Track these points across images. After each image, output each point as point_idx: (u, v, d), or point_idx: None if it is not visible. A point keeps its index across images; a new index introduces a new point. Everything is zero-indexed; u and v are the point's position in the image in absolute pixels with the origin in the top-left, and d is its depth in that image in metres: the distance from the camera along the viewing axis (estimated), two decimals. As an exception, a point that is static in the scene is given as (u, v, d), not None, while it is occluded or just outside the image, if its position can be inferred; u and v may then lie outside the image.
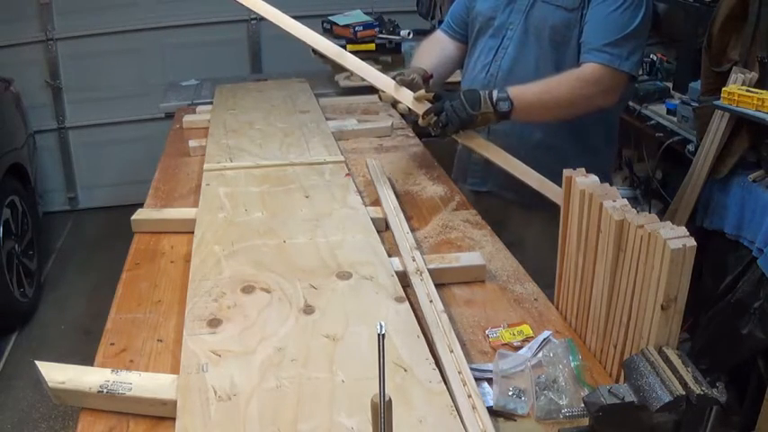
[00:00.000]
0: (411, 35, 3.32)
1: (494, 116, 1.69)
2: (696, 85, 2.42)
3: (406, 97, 1.81)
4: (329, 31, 3.34)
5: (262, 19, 4.30)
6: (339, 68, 3.29)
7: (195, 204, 1.75)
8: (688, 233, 1.02)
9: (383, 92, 1.85)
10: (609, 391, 0.97)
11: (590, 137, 1.85)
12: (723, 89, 2.05)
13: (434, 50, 2.05)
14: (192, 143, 2.22)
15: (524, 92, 1.69)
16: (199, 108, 2.70)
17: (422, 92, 1.77)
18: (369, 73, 1.91)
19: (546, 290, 1.44)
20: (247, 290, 1.34)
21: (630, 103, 2.58)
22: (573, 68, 1.74)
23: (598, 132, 1.87)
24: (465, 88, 1.89)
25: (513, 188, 1.94)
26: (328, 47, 1.94)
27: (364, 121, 2.47)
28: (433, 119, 1.71)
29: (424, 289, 1.35)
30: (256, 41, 4.39)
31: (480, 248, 1.60)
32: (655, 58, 2.88)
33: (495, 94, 1.68)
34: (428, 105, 1.75)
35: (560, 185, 1.33)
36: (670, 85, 2.78)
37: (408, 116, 2.00)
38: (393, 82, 1.84)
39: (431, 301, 1.30)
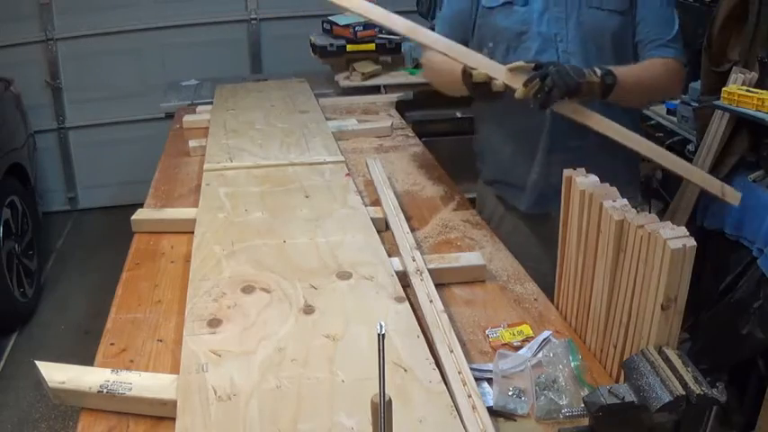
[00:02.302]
0: (411, 35, 3.31)
1: (599, 87, 1.59)
2: (696, 85, 2.42)
3: (499, 71, 1.65)
4: (329, 31, 3.34)
5: (262, 19, 4.36)
6: (339, 68, 3.30)
7: (195, 204, 1.75)
8: (688, 233, 1.02)
9: (472, 69, 1.66)
10: (609, 391, 0.97)
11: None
12: (723, 89, 2.05)
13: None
14: (192, 143, 2.22)
15: (625, 72, 1.63)
16: (199, 108, 2.70)
17: (520, 62, 1.62)
18: (456, 51, 1.72)
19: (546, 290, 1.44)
20: (247, 290, 1.34)
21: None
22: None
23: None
24: None
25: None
26: (398, 22, 1.77)
27: (364, 121, 2.47)
28: (537, 85, 1.56)
29: (424, 289, 1.35)
30: (256, 41, 4.38)
31: (480, 248, 1.60)
32: (655, 58, 2.87)
33: (597, 69, 1.60)
34: (526, 76, 1.60)
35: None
36: (670, 84, 2.78)
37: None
38: (481, 56, 1.70)
39: (431, 301, 1.30)
